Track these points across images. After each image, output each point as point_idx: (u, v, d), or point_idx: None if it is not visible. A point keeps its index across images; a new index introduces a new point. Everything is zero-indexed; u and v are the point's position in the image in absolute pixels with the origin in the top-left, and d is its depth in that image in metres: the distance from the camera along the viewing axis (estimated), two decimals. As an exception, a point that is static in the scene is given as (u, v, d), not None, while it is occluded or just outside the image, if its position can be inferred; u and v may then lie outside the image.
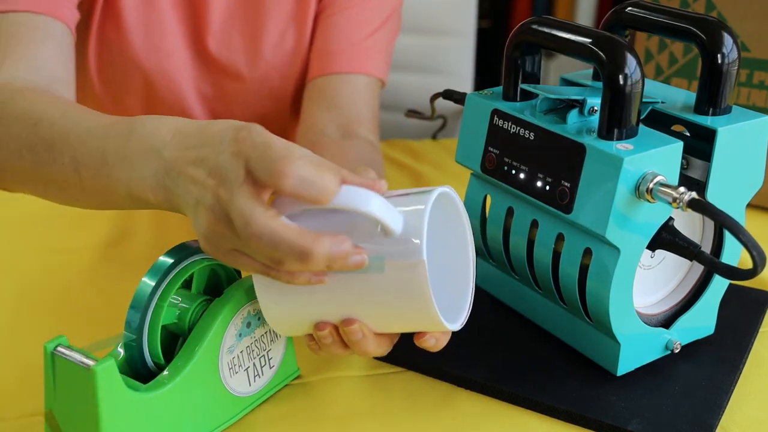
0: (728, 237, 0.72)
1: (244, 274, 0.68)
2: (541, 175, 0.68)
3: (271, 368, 0.69)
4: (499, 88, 0.74)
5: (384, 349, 0.63)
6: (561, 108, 0.70)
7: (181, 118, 0.63)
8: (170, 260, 0.62)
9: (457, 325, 0.61)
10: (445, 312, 0.59)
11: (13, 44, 0.83)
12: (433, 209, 0.58)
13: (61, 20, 0.87)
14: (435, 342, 0.62)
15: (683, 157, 0.68)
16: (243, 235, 0.55)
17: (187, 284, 0.65)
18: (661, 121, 0.71)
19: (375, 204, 0.55)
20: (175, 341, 0.65)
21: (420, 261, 0.56)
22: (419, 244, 0.56)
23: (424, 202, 0.57)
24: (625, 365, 0.70)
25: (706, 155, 0.67)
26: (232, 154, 0.55)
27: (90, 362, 0.57)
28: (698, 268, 0.74)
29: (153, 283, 0.62)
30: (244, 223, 0.54)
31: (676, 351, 0.72)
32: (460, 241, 0.63)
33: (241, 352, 0.66)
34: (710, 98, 0.68)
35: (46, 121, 0.70)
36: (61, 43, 0.87)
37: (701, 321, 0.75)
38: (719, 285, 0.74)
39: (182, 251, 0.63)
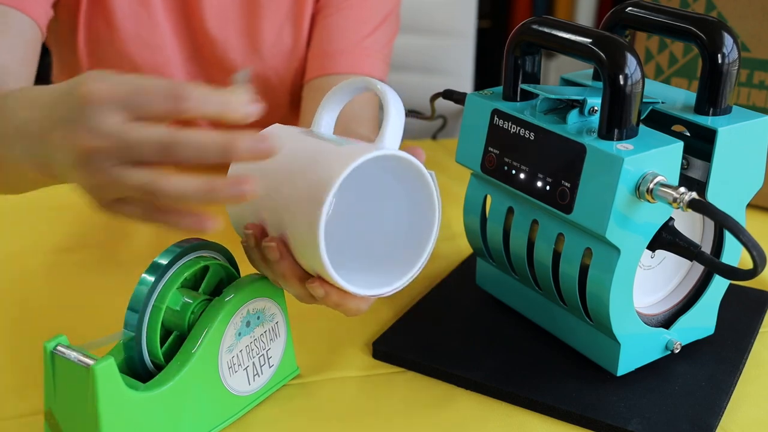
0: (728, 237, 0.72)
1: (243, 274, 0.68)
2: (541, 175, 0.68)
3: (270, 367, 0.69)
4: (499, 88, 0.74)
5: (295, 284, 0.61)
6: (561, 108, 0.70)
7: (39, 87, 0.61)
8: (166, 260, 0.62)
9: (361, 290, 0.60)
10: (374, 276, 0.60)
11: None
12: (408, 177, 0.60)
13: (28, 14, 0.87)
14: (323, 294, 0.60)
15: (683, 157, 0.68)
16: (164, 155, 0.52)
17: (186, 283, 0.65)
18: (661, 121, 0.71)
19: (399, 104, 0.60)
20: (175, 341, 0.65)
21: (349, 164, 0.56)
22: (379, 150, 0.57)
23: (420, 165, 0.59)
24: (625, 365, 0.70)
25: (706, 155, 0.67)
26: (84, 99, 0.52)
27: (89, 361, 0.57)
28: (698, 268, 0.74)
29: (150, 284, 0.62)
30: (162, 146, 0.52)
31: (676, 351, 0.72)
32: (425, 219, 0.62)
33: (241, 351, 0.66)
34: (710, 98, 0.68)
35: None
36: (22, 37, 0.86)
37: (701, 321, 0.75)
38: (719, 285, 0.74)
39: (178, 250, 0.63)
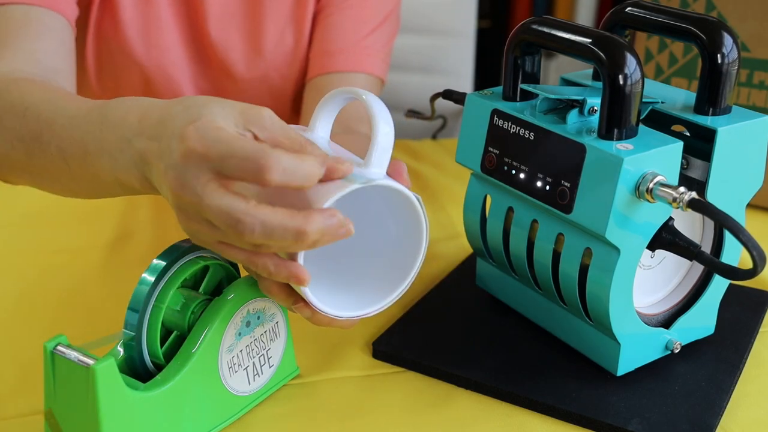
0: (728, 237, 0.72)
1: (243, 273, 0.68)
2: (541, 175, 0.68)
3: (270, 367, 0.69)
4: (499, 88, 0.74)
5: (283, 299, 0.61)
6: (561, 108, 0.70)
7: (148, 99, 0.61)
8: (166, 260, 0.62)
9: (351, 312, 0.60)
10: (360, 293, 0.60)
11: (13, 36, 0.83)
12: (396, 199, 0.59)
13: (60, 13, 0.87)
14: (311, 315, 0.60)
15: (683, 157, 0.68)
16: (229, 231, 0.53)
17: (186, 283, 0.65)
18: (661, 121, 0.71)
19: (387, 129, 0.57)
20: (175, 340, 0.65)
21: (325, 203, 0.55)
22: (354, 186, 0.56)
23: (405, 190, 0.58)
24: (625, 365, 0.70)
25: (706, 155, 0.67)
26: (181, 155, 0.54)
27: (90, 361, 0.57)
28: (698, 268, 0.74)
29: (150, 284, 0.62)
30: (227, 221, 0.53)
31: (676, 351, 0.72)
32: (413, 239, 0.61)
33: (241, 351, 0.66)
34: (710, 98, 0.68)
35: (33, 111, 0.69)
36: (60, 36, 0.87)
37: (701, 321, 0.75)
38: (719, 285, 0.74)
39: (177, 250, 0.63)
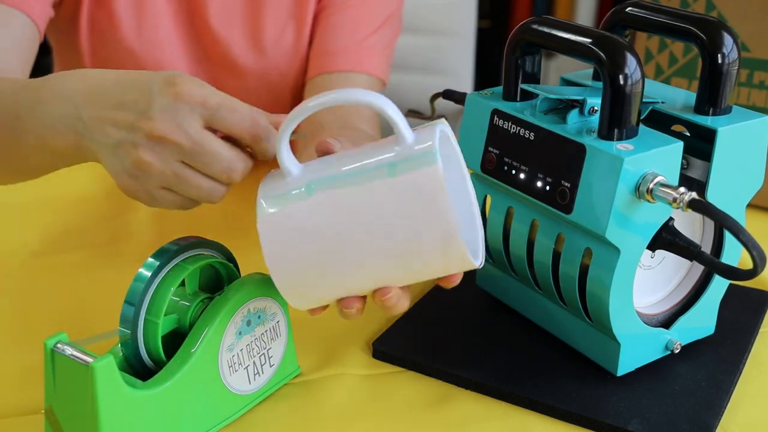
0: (728, 237, 0.72)
1: (243, 273, 0.68)
2: (541, 175, 0.68)
3: (271, 366, 0.69)
4: (499, 88, 0.74)
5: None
6: (561, 108, 0.70)
7: (95, 70, 0.64)
8: (162, 257, 0.62)
9: (479, 261, 0.60)
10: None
11: None
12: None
13: (26, 13, 0.88)
14: (395, 303, 0.61)
15: (683, 157, 0.68)
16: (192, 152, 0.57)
17: (186, 282, 0.65)
18: (661, 121, 0.71)
19: (392, 107, 0.57)
20: (178, 339, 0.65)
21: (435, 166, 0.56)
22: (433, 149, 0.56)
23: (434, 126, 0.58)
24: (625, 365, 0.70)
25: (706, 155, 0.67)
26: (175, 97, 0.57)
27: (89, 359, 0.57)
28: (698, 268, 0.74)
29: (145, 280, 0.61)
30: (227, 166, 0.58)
31: (676, 351, 0.72)
32: (458, 183, 0.63)
33: (241, 350, 0.66)
34: (710, 98, 0.68)
35: None
36: (17, 35, 0.88)
37: (701, 321, 0.75)
38: (719, 285, 0.74)
39: (174, 248, 0.63)
